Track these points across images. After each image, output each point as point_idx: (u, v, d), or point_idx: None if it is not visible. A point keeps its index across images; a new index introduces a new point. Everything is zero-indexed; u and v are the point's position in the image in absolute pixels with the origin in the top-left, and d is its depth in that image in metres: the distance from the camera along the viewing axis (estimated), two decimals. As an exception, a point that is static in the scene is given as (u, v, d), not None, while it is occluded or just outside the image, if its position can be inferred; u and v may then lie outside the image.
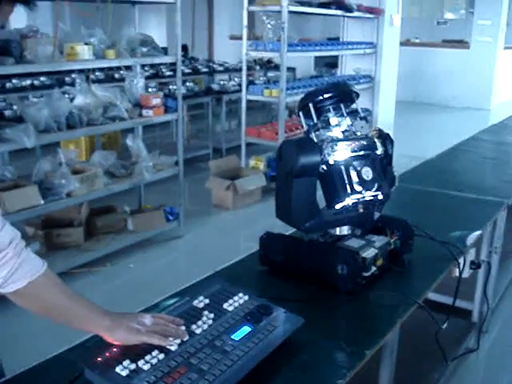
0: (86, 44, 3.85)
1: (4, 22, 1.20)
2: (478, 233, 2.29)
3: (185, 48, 11.18)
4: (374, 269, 1.77)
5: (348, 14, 6.70)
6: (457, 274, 2.07)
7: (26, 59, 3.52)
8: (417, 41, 13.23)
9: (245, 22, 5.60)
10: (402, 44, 8.48)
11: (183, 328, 1.34)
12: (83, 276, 4.03)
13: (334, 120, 1.81)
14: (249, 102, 6.05)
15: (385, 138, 1.86)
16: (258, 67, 9.63)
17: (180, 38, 4.40)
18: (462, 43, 12.67)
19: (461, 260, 2.05)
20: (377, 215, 1.88)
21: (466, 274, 2.23)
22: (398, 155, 6.27)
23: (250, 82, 7.24)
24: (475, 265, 2.31)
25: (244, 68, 5.84)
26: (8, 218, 3.44)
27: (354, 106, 1.90)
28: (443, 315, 1.94)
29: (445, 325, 1.86)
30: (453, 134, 7.12)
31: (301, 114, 1.87)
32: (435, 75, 12.57)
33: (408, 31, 11.83)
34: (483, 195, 2.80)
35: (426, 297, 2.94)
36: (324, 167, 1.71)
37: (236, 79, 8.19)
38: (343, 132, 1.80)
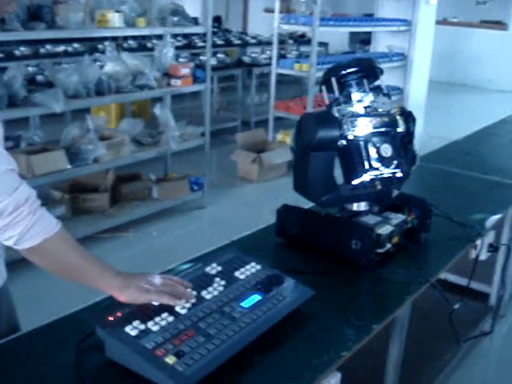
0: (117, 11, 3.86)
1: None
2: (498, 216, 2.27)
3: (218, 20, 11.14)
4: (388, 246, 1.78)
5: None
6: (474, 256, 2.07)
7: (57, 25, 3.55)
8: (454, 20, 12.97)
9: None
10: (438, 23, 8.33)
11: (191, 290, 1.37)
12: (106, 241, 4.11)
13: (356, 95, 1.80)
14: (280, 75, 6.03)
15: (407, 116, 1.85)
16: (291, 41, 9.57)
17: (211, 8, 4.40)
18: (500, 24, 12.40)
19: (478, 242, 2.05)
20: (395, 193, 1.88)
21: (484, 256, 2.22)
22: (428, 136, 6.22)
23: (282, 56, 7.20)
24: (493, 248, 2.30)
25: (275, 41, 5.81)
26: (35, 181, 3.53)
27: (377, 82, 1.89)
28: (460, 297, 1.95)
29: (457, 305, 1.86)
30: (485, 116, 7.00)
31: (323, 88, 1.87)
32: (471, 56, 12.34)
33: (446, 10, 11.60)
34: (507, 178, 2.76)
35: (446, 278, 2.97)
36: (343, 142, 1.71)
37: (268, 52, 8.16)
38: (365, 108, 1.79)
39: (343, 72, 1.80)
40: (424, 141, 6.74)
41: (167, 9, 4.19)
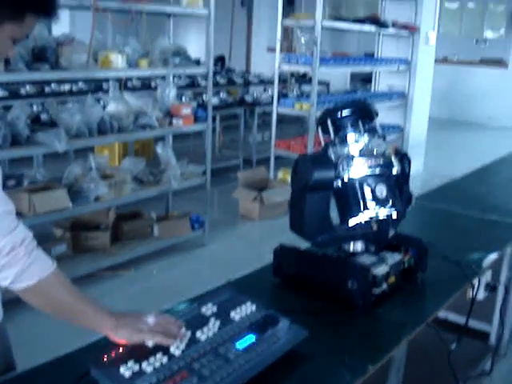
0: (120, 53, 3.93)
1: (29, 33, 1.28)
2: (494, 255, 2.28)
3: (222, 59, 11.28)
4: (385, 286, 1.79)
5: (382, 32, 6.71)
6: (471, 295, 2.07)
7: (61, 66, 3.62)
8: (454, 58, 13.13)
9: (278, 36, 5.67)
10: (438, 61, 8.44)
11: (184, 330, 1.38)
12: (107, 279, 4.11)
13: (351, 137, 1.83)
14: (282, 114, 6.10)
15: (402, 157, 1.88)
16: (293, 80, 9.67)
17: (212, 49, 4.49)
18: (500, 63, 12.55)
19: (475, 281, 2.06)
20: (391, 233, 1.89)
21: (481, 295, 2.23)
22: (428, 174, 6.21)
23: (283, 95, 7.28)
24: (491, 287, 2.30)
25: (276, 81, 5.89)
26: (37, 219, 3.55)
27: (373, 123, 1.92)
28: (459, 335, 1.95)
29: (454, 345, 1.86)
30: (486, 153, 7.04)
31: (319, 129, 1.91)
32: (472, 94, 12.47)
33: (446, 49, 11.77)
34: (506, 217, 2.78)
35: (446, 317, 2.96)
36: (339, 183, 1.74)
37: (270, 91, 8.26)
38: (360, 149, 1.82)
39: (338, 114, 1.84)
40: (424, 179, 6.78)
41: (169, 50, 4.27)
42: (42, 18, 1.24)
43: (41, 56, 3.63)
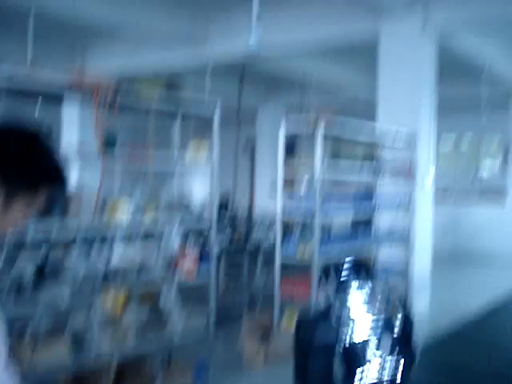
0: (127, 202, 4.06)
1: (39, 206, 1.33)
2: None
3: (226, 203, 11.50)
4: None
5: (379, 181, 6.94)
6: None
7: (68, 215, 3.72)
8: (454, 189, 13.44)
9: (280, 189, 5.83)
10: (438, 190, 8.66)
11: None
12: None
13: (352, 292, 1.86)
14: (285, 264, 6.11)
15: (404, 318, 1.89)
16: (295, 221, 9.81)
17: (215, 213, 4.77)
18: (498, 195, 12.87)
19: None
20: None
21: None
22: (435, 314, 6.06)
23: (289, 232, 7.31)
24: None
25: (278, 229, 5.95)
26: (38, 371, 3.46)
27: (372, 279, 1.96)
28: None
29: None
30: (492, 289, 6.98)
31: (321, 283, 1.95)
32: (473, 229, 12.65)
33: (445, 180, 12.13)
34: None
35: None
36: (340, 349, 1.74)
37: (273, 232, 8.35)
38: (361, 309, 1.84)
39: (340, 271, 1.89)
40: (430, 320, 6.68)
41: (174, 202, 4.42)
42: (54, 189, 1.30)
43: (49, 207, 3.72)
